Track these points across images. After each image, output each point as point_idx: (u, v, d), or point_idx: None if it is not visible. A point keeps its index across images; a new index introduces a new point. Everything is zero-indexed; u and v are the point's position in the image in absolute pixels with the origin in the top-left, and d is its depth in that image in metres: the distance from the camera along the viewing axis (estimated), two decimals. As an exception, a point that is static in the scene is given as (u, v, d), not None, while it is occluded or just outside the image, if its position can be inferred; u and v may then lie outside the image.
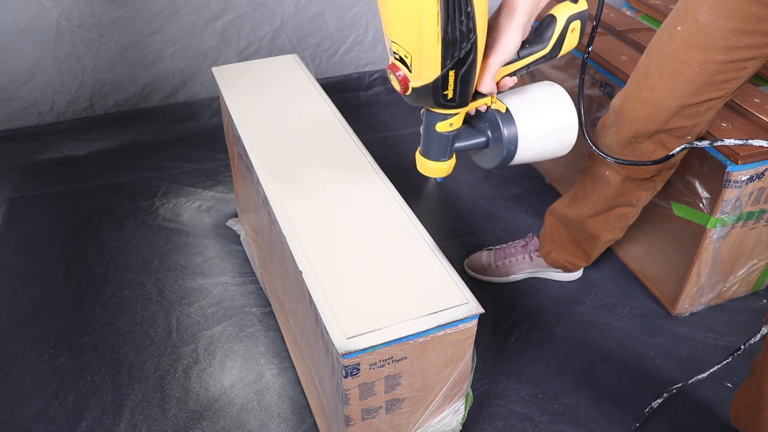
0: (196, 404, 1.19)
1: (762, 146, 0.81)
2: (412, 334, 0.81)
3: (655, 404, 1.10)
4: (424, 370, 0.88)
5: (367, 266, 0.90)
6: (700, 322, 1.38)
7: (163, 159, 1.87)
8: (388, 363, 0.83)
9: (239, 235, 1.56)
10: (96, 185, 1.76)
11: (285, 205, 1.01)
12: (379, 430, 0.93)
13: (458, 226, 1.62)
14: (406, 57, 0.69)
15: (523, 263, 1.44)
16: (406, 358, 0.84)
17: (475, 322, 0.85)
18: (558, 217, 1.36)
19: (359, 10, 2.03)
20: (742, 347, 0.88)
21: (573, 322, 1.37)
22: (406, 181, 1.74)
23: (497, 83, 0.77)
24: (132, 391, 1.21)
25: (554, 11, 0.78)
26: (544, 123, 0.83)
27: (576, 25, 0.78)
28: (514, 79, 0.78)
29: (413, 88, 0.72)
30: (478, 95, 0.77)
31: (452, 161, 0.85)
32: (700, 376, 0.99)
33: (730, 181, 1.16)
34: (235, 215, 1.64)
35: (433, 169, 0.85)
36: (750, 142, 0.82)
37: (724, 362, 0.92)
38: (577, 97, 0.90)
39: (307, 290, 0.87)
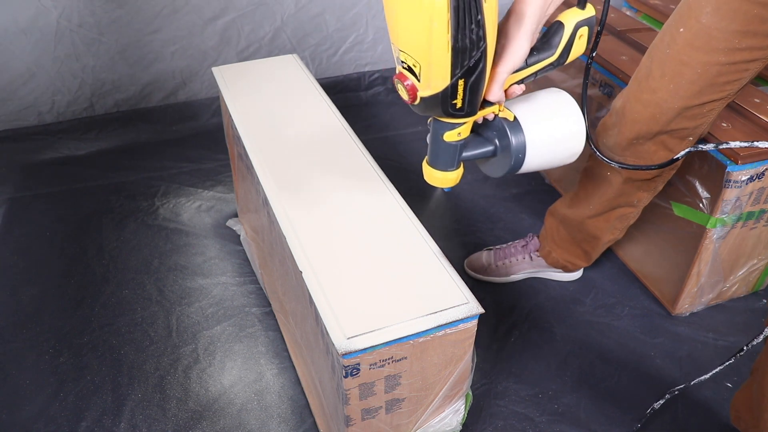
0: (196, 404, 1.19)
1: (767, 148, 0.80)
2: (412, 334, 0.81)
3: (657, 405, 1.10)
4: (424, 370, 0.88)
5: (367, 266, 0.90)
6: (700, 322, 1.38)
7: (163, 159, 1.87)
8: (388, 363, 0.83)
9: (239, 235, 1.56)
10: (96, 185, 1.76)
11: (285, 205, 1.01)
12: (379, 430, 0.93)
13: (458, 226, 1.62)
14: (415, 66, 0.68)
15: (523, 263, 1.44)
16: (406, 358, 0.84)
17: (475, 322, 0.85)
18: (558, 217, 1.36)
19: (359, 10, 2.03)
20: (745, 348, 0.88)
21: (573, 322, 1.37)
22: (406, 182, 1.74)
23: (505, 91, 0.76)
24: (132, 391, 1.21)
25: (562, 17, 0.77)
26: (552, 131, 0.82)
27: (584, 31, 0.77)
28: (522, 87, 0.77)
29: (422, 98, 0.71)
30: (486, 104, 0.76)
31: (460, 171, 0.84)
32: (702, 378, 0.98)
33: (730, 181, 1.16)
34: (235, 215, 1.64)
35: (440, 179, 0.84)
36: (756, 144, 0.81)
37: (727, 363, 0.91)
38: (581, 102, 0.89)
39: (307, 290, 0.87)
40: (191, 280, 1.45)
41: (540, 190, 1.75)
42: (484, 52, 0.66)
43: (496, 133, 0.82)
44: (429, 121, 0.79)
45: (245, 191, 1.37)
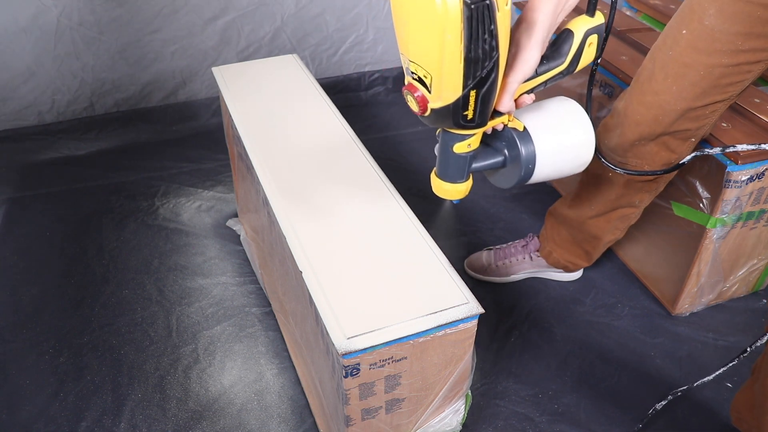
0: (196, 404, 1.19)
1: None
2: (412, 334, 0.81)
3: (659, 406, 1.10)
4: (424, 370, 0.88)
5: (367, 266, 0.90)
6: (700, 322, 1.38)
7: (163, 159, 1.87)
8: (388, 363, 0.83)
9: (239, 235, 1.56)
10: (96, 185, 1.76)
11: (285, 205, 1.01)
12: (379, 430, 0.93)
13: (458, 226, 1.62)
14: (426, 77, 0.67)
15: (523, 263, 1.44)
16: (406, 358, 0.84)
17: (475, 322, 0.85)
18: (559, 217, 1.36)
19: (359, 11, 2.03)
20: (748, 350, 0.88)
21: (573, 322, 1.37)
22: (406, 181, 1.74)
23: (515, 101, 0.75)
24: (132, 391, 1.21)
25: (571, 25, 0.76)
26: (562, 140, 0.81)
27: (593, 39, 0.76)
28: (532, 96, 0.76)
29: (432, 109, 0.69)
30: (495, 114, 0.75)
31: (469, 182, 0.83)
32: (705, 379, 0.98)
33: (730, 181, 1.16)
34: (235, 215, 1.64)
35: (450, 191, 0.83)
36: (763, 146, 0.81)
37: (731, 364, 0.91)
38: (585, 107, 0.89)
39: (307, 290, 0.87)
40: (191, 280, 1.45)
41: (540, 190, 1.75)
42: (496, 63, 0.65)
43: (506, 143, 0.81)
44: (437, 132, 0.78)
45: (245, 191, 1.37)
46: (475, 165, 0.81)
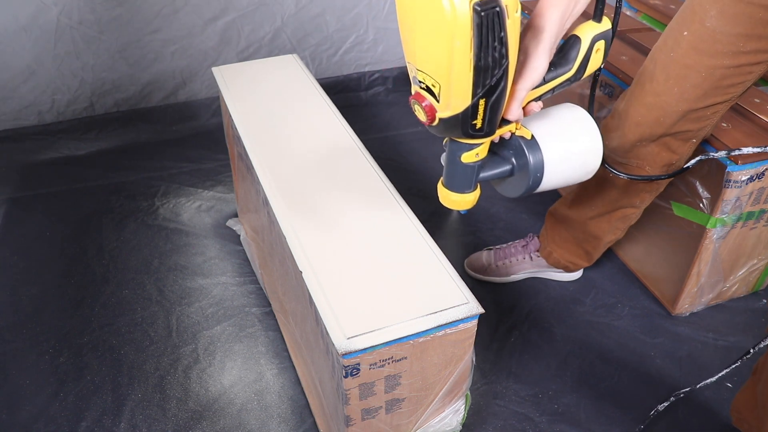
0: (196, 404, 1.19)
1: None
2: (412, 334, 0.81)
3: (661, 407, 1.10)
4: (424, 370, 0.88)
5: (367, 266, 0.90)
6: (700, 322, 1.38)
7: (163, 159, 1.87)
8: (388, 363, 0.83)
9: (239, 235, 1.56)
10: (96, 185, 1.76)
11: (285, 205, 1.01)
12: (379, 430, 0.93)
13: (458, 226, 1.62)
14: (434, 86, 0.65)
15: (523, 263, 1.44)
16: (406, 358, 0.84)
17: (475, 322, 0.85)
18: (559, 217, 1.36)
19: (360, 11, 2.03)
20: (752, 351, 0.88)
21: (573, 322, 1.37)
22: (406, 181, 1.74)
23: (523, 109, 0.74)
24: (132, 391, 1.21)
25: (578, 31, 0.75)
26: (569, 148, 0.80)
27: (600, 45, 0.76)
28: (540, 104, 0.75)
29: (440, 119, 0.68)
30: (503, 122, 0.74)
31: (477, 192, 0.82)
32: (708, 381, 0.98)
33: (730, 181, 1.16)
34: (235, 215, 1.64)
35: (457, 201, 0.82)
36: None
37: (734, 366, 0.91)
38: (588, 110, 0.88)
39: (307, 290, 0.87)
40: (191, 280, 1.45)
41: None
42: (506, 71, 0.64)
43: (513, 152, 0.80)
44: (444, 141, 0.77)
45: (245, 191, 1.37)
46: (482, 174, 0.80)
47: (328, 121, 1.23)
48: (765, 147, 0.81)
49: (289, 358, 1.28)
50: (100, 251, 1.53)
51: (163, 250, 1.54)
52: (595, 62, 0.77)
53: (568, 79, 0.76)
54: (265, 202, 1.06)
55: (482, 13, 0.58)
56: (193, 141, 1.96)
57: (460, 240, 1.58)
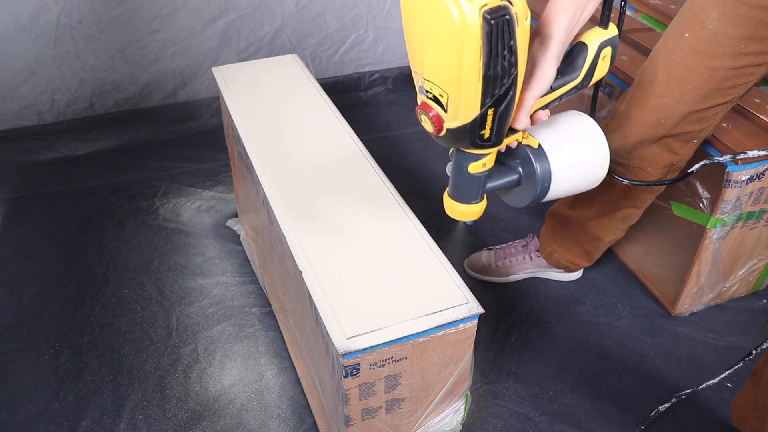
0: (196, 404, 1.19)
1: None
2: (412, 334, 0.81)
3: (662, 408, 1.10)
4: (424, 370, 0.88)
5: (367, 266, 0.90)
6: (700, 322, 1.38)
7: (163, 159, 1.87)
8: (388, 363, 0.83)
9: (239, 235, 1.56)
10: (96, 185, 1.76)
11: (285, 205, 1.01)
12: (379, 430, 0.93)
13: (458, 226, 1.62)
14: (441, 96, 0.64)
15: (523, 263, 1.44)
16: (406, 358, 0.84)
17: (475, 322, 0.85)
18: (560, 218, 1.36)
19: (360, 11, 2.03)
20: (754, 352, 0.87)
21: (573, 322, 1.37)
22: (406, 181, 1.74)
23: (530, 117, 0.73)
24: (132, 391, 1.21)
25: (584, 38, 0.75)
26: (576, 156, 0.80)
27: (607, 52, 0.75)
28: (547, 112, 0.75)
29: (448, 129, 0.67)
30: (510, 131, 0.73)
31: (484, 203, 0.81)
32: (710, 382, 0.97)
33: (730, 181, 1.16)
34: (235, 215, 1.64)
35: (464, 212, 0.81)
36: None
37: (736, 367, 0.90)
38: (590, 113, 0.88)
39: (307, 290, 0.87)
40: (191, 280, 1.45)
41: (540, 190, 1.75)
42: (515, 80, 0.63)
43: (520, 161, 0.79)
44: (450, 152, 0.76)
45: (245, 191, 1.37)
46: (489, 184, 0.79)
47: (328, 121, 1.23)
48: None
49: (289, 358, 1.28)
50: (100, 251, 1.53)
51: (163, 250, 1.54)
52: (602, 69, 0.76)
53: (575, 87, 0.75)
54: (265, 202, 1.06)
55: (492, 22, 0.57)
56: (193, 141, 1.96)
57: (460, 240, 1.58)
